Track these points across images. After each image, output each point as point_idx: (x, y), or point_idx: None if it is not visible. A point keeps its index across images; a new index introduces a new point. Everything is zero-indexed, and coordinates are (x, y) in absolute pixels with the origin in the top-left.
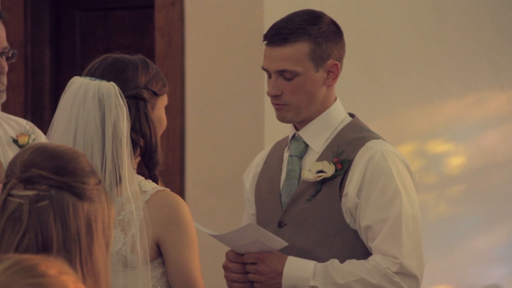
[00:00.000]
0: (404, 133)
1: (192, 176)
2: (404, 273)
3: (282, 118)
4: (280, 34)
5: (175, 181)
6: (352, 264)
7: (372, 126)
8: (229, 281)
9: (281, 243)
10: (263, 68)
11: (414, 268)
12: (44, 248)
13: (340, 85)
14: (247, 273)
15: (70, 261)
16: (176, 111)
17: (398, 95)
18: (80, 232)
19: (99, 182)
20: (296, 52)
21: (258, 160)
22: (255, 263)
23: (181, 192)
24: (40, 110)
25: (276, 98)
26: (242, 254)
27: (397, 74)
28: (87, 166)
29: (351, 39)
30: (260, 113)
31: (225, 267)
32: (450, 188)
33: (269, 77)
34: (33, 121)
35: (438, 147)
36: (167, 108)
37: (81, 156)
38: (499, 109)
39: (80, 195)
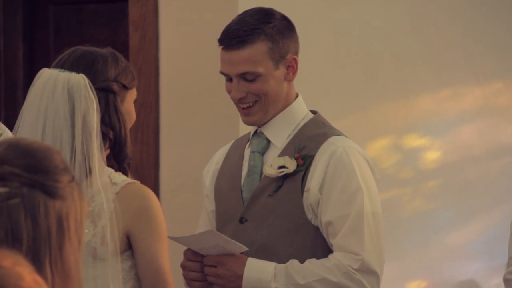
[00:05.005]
0: (380, 128)
1: (167, 171)
2: (365, 270)
3: (249, 122)
4: (237, 36)
5: (149, 176)
6: (313, 264)
7: (347, 121)
8: (188, 279)
9: (241, 248)
10: (222, 73)
11: (374, 264)
12: (13, 246)
13: (313, 81)
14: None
15: (39, 259)
16: (151, 106)
17: (373, 90)
18: (51, 230)
19: (73, 179)
20: (255, 53)
21: (218, 157)
22: (214, 266)
23: (155, 186)
24: (13, 104)
25: (241, 101)
26: (202, 254)
27: (372, 68)
28: (60, 164)
29: (324, 34)
30: (235, 107)
31: (183, 266)
32: (426, 183)
33: (228, 80)
34: (6, 115)
35: (413, 141)
36: (141, 103)
37: (55, 153)
38: (475, 103)
39: (52, 193)
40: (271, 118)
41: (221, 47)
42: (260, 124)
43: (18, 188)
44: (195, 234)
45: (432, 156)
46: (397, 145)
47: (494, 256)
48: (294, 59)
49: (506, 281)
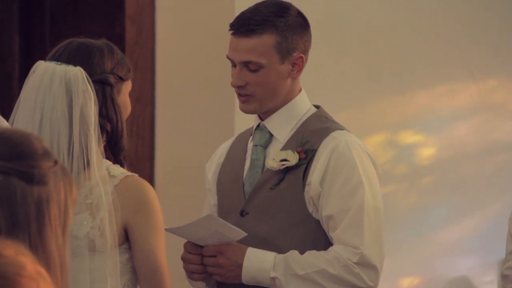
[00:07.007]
0: (375, 124)
1: (162, 165)
2: (364, 263)
3: (245, 110)
4: (247, 25)
5: (145, 169)
6: (312, 255)
7: (343, 116)
8: (189, 272)
9: (240, 233)
10: (228, 58)
11: (374, 259)
12: None
13: (310, 76)
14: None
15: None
16: (146, 99)
17: (369, 86)
18: (30, 216)
19: (55, 164)
20: (261, 44)
21: (221, 151)
22: (214, 256)
23: (150, 180)
24: (9, 97)
25: (240, 89)
26: (201, 246)
27: (368, 64)
28: (39, 149)
29: (322, 30)
30: (230, 102)
31: (183, 259)
32: (420, 179)
33: (233, 66)
34: (1, 107)
35: (408, 138)
36: (137, 96)
37: (33, 139)
38: (470, 100)
39: (29, 179)
40: (273, 112)
41: (231, 32)
42: (256, 113)
43: None
44: (193, 222)
45: (426, 152)
46: (392, 141)
47: (487, 253)
48: (301, 57)
49: (504, 276)
